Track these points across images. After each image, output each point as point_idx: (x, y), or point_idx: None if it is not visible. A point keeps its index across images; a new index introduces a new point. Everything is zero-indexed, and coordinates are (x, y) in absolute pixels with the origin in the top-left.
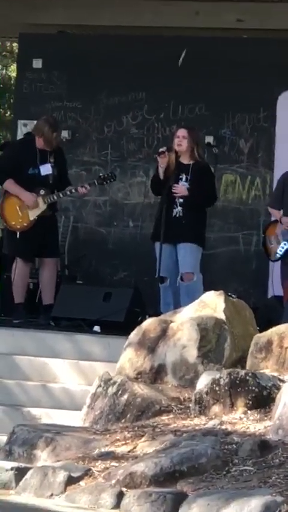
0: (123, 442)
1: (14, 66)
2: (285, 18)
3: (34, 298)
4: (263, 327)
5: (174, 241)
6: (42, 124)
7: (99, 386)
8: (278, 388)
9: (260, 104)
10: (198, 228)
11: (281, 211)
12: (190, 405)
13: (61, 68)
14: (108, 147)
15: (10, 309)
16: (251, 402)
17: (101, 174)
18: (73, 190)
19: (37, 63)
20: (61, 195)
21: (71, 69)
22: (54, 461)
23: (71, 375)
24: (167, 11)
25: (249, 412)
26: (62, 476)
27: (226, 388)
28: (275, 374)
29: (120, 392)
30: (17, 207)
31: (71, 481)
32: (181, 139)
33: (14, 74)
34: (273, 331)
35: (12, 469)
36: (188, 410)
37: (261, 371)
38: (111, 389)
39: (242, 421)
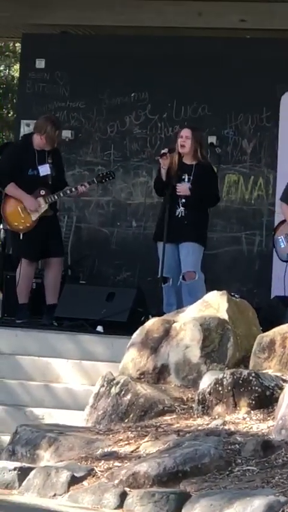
0: (126, 442)
1: (16, 66)
2: (287, 17)
3: (38, 298)
4: (266, 327)
5: (177, 241)
6: (44, 122)
7: (102, 386)
8: (281, 388)
9: (263, 104)
10: (200, 228)
11: None
12: (193, 405)
13: (64, 68)
14: (111, 147)
15: (13, 309)
16: (254, 402)
17: (99, 173)
18: (73, 189)
19: (40, 64)
20: (61, 194)
21: (73, 69)
22: (57, 461)
23: (74, 375)
24: (169, 11)
25: (252, 412)
26: (65, 476)
27: (229, 388)
28: (278, 374)
29: (123, 392)
30: (19, 208)
31: (74, 481)
32: (185, 140)
33: (16, 74)
34: (276, 331)
35: (15, 469)
36: (191, 411)
37: (264, 371)
38: (114, 390)
39: (245, 421)
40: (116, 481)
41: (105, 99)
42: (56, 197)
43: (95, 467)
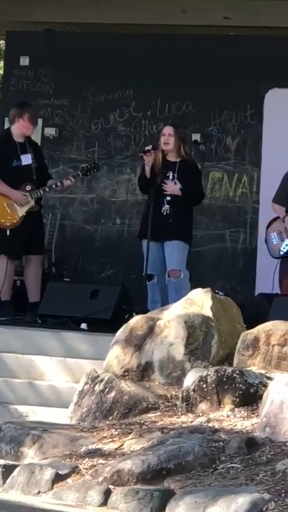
0: (111, 440)
1: (0, 64)
2: (272, 15)
3: (21, 295)
4: (250, 324)
5: (162, 239)
6: (18, 107)
7: (86, 383)
8: (265, 386)
9: (247, 102)
10: (185, 226)
11: (284, 209)
12: (177, 403)
13: (48, 65)
14: (95, 144)
15: None
16: (238, 399)
17: (84, 165)
18: (58, 184)
19: (24, 61)
20: (47, 189)
21: (58, 66)
22: (42, 459)
23: (58, 372)
24: (154, 8)
25: (236, 409)
26: (49, 473)
27: (213, 385)
28: (262, 371)
29: (107, 389)
30: (5, 204)
31: (58, 478)
32: (167, 137)
33: (0, 72)
34: (260, 329)
35: None
36: (175, 408)
37: (248, 368)
38: (98, 387)
39: (229, 418)
40: (100, 479)
41: (89, 96)
42: (41, 192)
43: (79, 465)
